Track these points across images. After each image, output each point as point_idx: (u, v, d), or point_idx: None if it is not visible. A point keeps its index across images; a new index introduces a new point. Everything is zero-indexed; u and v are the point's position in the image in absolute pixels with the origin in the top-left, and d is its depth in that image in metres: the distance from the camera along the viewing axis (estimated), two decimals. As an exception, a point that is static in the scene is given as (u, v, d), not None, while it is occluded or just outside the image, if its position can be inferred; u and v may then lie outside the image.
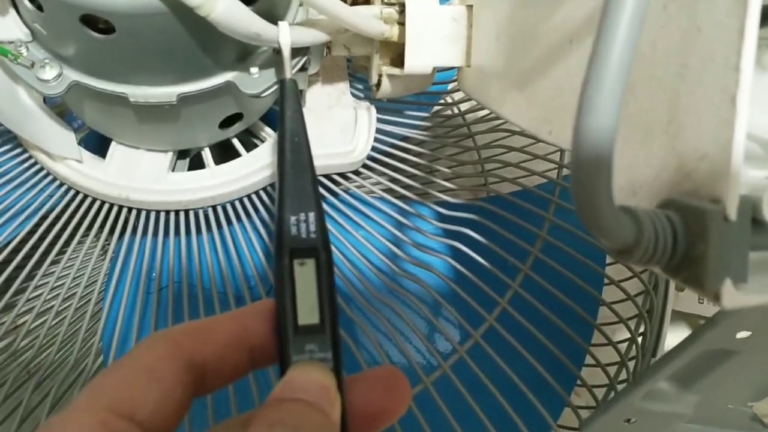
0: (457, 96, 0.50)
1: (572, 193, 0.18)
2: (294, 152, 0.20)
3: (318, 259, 0.19)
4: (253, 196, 0.37)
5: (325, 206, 0.38)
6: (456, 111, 0.49)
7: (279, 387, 0.17)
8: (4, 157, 0.37)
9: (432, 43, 0.34)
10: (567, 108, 0.26)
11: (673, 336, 0.42)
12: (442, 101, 0.50)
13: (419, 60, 0.34)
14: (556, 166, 0.42)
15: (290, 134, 0.20)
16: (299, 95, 0.20)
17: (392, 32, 0.35)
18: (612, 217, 0.18)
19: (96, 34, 0.28)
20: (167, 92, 0.31)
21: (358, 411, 0.18)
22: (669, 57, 0.20)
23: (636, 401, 0.29)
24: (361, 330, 0.36)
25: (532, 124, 0.28)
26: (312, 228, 0.19)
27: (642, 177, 0.22)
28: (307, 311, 0.18)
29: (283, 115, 0.21)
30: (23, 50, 0.31)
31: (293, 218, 0.19)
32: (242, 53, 0.32)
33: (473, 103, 0.50)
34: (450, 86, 0.50)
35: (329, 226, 0.38)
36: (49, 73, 0.31)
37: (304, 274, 0.18)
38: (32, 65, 0.31)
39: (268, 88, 0.33)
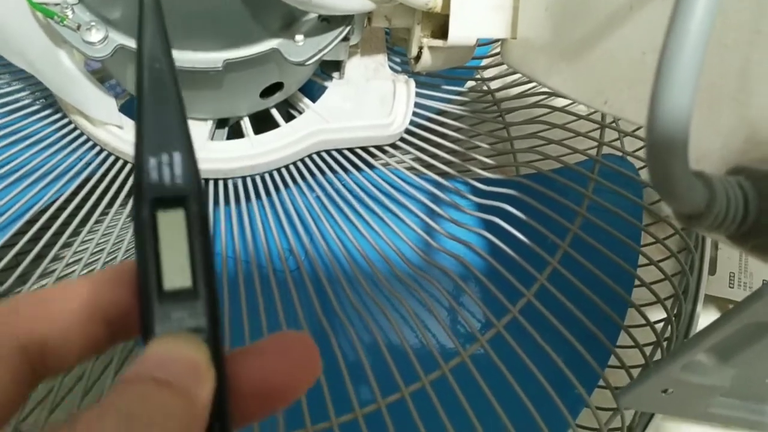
0: (488, 74, 0.50)
1: (647, 157, 0.17)
2: (154, 80, 0.16)
3: (187, 208, 0.15)
4: (291, 167, 0.37)
5: (361, 179, 0.38)
6: (486, 88, 0.49)
7: (131, 366, 0.14)
8: (44, 122, 0.37)
9: (477, 14, 0.34)
10: (624, 78, 0.25)
11: (703, 319, 0.42)
12: (475, 77, 0.49)
13: (463, 31, 0.34)
14: (595, 143, 0.41)
15: (149, 59, 0.16)
16: (162, 13, 0.17)
17: (436, 2, 0.34)
18: (686, 181, 0.17)
19: (145, -4, 0.28)
20: (213, 58, 0.31)
21: (250, 388, 0.16)
22: (741, 23, 0.20)
23: (674, 372, 0.29)
24: (398, 302, 0.36)
25: (585, 95, 0.28)
26: (178, 171, 0.15)
27: (707, 145, 0.21)
28: (176, 273, 0.15)
29: (141, 36, 0.16)
30: (69, 12, 0.31)
31: (153, 160, 0.15)
32: (288, 20, 0.32)
33: (504, 80, 0.50)
34: (484, 62, 0.49)
35: (365, 196, 0.38)
36: (95, 35, 0.31)
37: (171, 227, 0.15)
38: (78, 27, 0.31)
39: (312, 56, 0.32)
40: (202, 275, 0.15)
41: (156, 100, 0.16)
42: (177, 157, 0.15)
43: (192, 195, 0.15)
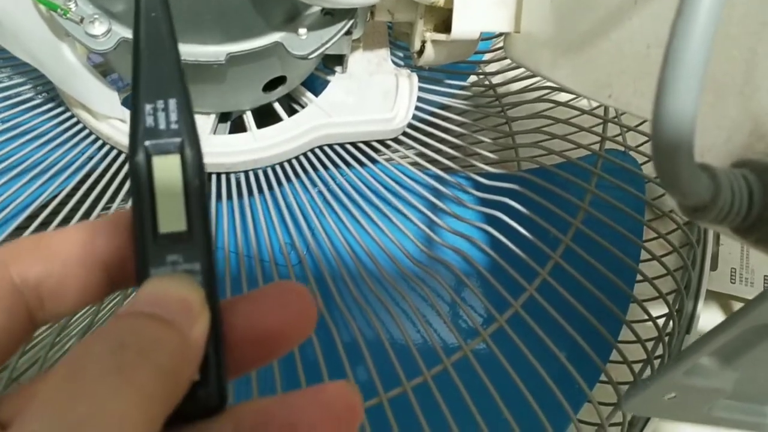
0: (490, 69, 0.50)
1: (652, 150, 0.17)
2: (150, 29, 0.16)
3: (183, 153, 0.15)
4: (293, 161, 0.37)
5: (364, 173, 0.38)
6: (488, 83, 0.49)
7: (124, 305, 0.14)
8: (46, 116, 0.37)
9: (481, 8, 0.33)
10: (629, 71, 0.25)
11: (704, 314, 0.42)
12: (477, 72, 0.49)
13: (466, 25, 0.34)
14: (598, 138, 0.41)
15: (145, 9, 0.16)
16: None
17: (439, -4, 0.34)
18: (691, 174, 0.17)
19: (148, -11, 0.28)
20: (216, 51, 0.31)
21: (244, 335, 0.15)
22: (747, 15, 0.20)
23: (677, 376, 0.28)
24: (400, 297, 0.36)
25: (589, 89, 0.28)
26: (174, 117, 0.15)
27: (711, 139, 0.21)
28: (171, 217, 0.15)
29: None
30: (72, 5, 0.31)
31: (149, 106, 0.15)
32: (291, 13, 0.32)
33: (506, 75, 0.50)
34: (486, 57, 0.49)
35: (367, 191, 0.38)
36: (98, 28, 0.31)
37: (166, 173, 0.15)
38: (81, 20, 0.31)
39: (315, 50, 0.32)
40: (197, 219, 0.15)
41: (152, 48, 0.16)
42: (172, 103, 0.15)
43: (187, 140, 0.15)
